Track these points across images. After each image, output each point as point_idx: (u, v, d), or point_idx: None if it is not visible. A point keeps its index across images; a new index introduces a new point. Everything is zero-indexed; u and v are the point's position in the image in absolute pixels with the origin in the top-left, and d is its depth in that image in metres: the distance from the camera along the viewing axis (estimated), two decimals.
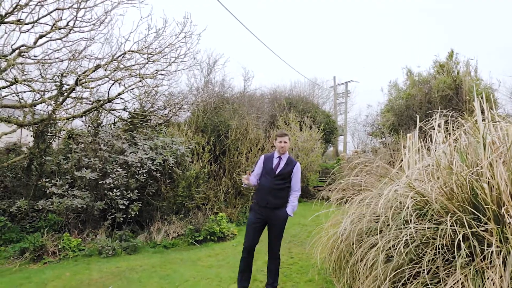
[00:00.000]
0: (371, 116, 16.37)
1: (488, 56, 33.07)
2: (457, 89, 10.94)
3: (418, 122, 4.32)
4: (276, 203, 3.49)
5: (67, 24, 6.13)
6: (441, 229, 2.53)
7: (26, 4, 5.57)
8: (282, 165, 3.57)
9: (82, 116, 6.82)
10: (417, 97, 11.71)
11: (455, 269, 2.50)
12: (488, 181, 2.78)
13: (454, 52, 12.22)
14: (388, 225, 2.89)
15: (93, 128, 6.96)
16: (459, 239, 2.49)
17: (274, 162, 3.60)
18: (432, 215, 2.90)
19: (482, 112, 3.39)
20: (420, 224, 2.73)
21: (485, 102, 3.36)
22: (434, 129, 3.94)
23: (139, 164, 5.96)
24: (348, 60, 46.69)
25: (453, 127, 3.76)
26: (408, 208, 2.68)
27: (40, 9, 5.75)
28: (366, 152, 13.30)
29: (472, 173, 2.84)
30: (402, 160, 4.05)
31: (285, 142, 3.59)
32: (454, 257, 2.52)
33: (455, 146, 3.32)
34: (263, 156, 3.71)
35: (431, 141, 3.84)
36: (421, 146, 4.00)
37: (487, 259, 2.43)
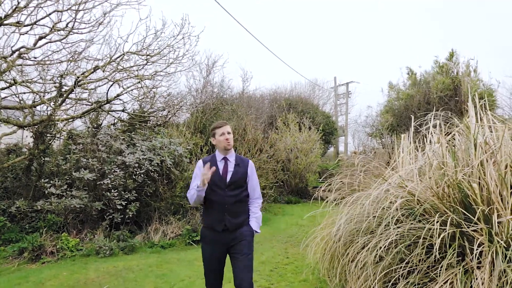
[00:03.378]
0: (370, 117, 16.42)
1: (487, 56, 33.01)
2: (456, 89, 10.94)
3: (412, 123, 4.34)
4: (238, 222, 2.56)
5: (66, 26, 6.20)
6: (429, 229, 2.55)
7: (25, 6, 5.64)
8: (231, 168, 2.60)
9: (81, 117, 6.89)
10: (416, 97, 11.72)
11: (445, 269, 2.52)
12: (479, 181, 2.80)
13: (454, 52, 12.21)
14: (379, 225, 2.91)
15: (93, 128, 7.02)
16: (447, 238, 2.51)
17: (220, 166, 2.59)
18: (423, 215, 2.92)
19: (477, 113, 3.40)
20: (407, 224, 2.76)
21: (477, 102, 3.38)
22: (429, 129, 3.95)
23: (136, 165, 6.00)
24: (348, 61, 46.70)
25: (448, 127, 3.77)
26: (396, 208, 2.71)
27: (39, 11, 5.83)
28: (365, 152, 13.31)
29: (462, 173, 2.86)
30: (395, 161, 4.07)
31: (229, 133, 2.58)
32: (443, 257, 2.54)
33: (447, 146, 3.33)
34: (200, 162, 2.64)
35: (426, 142, 3.86)
36: (416, 146, 4.01)
37: (475, 259, 2.45)
